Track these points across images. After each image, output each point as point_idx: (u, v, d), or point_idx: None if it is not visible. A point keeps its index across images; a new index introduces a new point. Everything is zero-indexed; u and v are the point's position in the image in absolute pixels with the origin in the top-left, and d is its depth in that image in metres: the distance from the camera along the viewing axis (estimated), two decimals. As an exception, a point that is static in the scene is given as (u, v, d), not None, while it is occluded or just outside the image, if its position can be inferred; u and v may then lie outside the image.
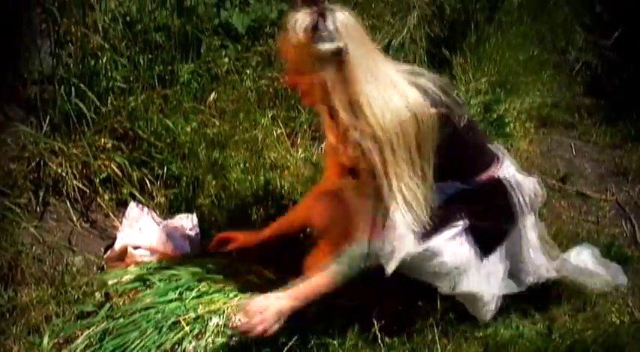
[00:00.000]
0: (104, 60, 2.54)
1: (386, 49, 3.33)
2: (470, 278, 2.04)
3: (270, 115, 2.77)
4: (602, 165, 3.56)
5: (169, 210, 2.52)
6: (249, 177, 2.56)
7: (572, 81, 4.19)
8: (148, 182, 2.54)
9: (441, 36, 3.71)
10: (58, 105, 2.45)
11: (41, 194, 2.38)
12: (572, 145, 3.67)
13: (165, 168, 2.54)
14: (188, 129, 2.59)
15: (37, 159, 2.38)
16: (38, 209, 2.38)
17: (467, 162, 2.05)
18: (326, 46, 1.79)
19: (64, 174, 2.40)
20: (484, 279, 2.07)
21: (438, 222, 1.96)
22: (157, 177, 2.55)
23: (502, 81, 3.65)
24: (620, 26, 4.42)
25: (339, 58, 1.80)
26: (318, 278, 1.94)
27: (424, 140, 1.88)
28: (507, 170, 2.11)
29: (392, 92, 1.85)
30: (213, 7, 2.86)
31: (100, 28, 2.55)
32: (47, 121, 2.45)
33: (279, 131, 2.78)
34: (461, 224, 2.00)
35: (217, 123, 2.68)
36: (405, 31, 3.50)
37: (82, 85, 2.47)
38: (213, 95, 2.75)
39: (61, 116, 2.45)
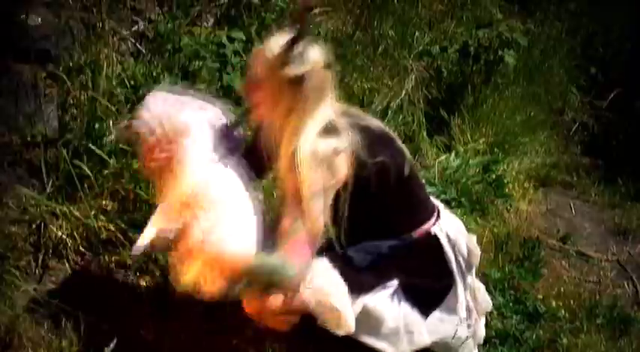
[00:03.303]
0: (109, 122, 2.57)
1: (384, 111, 3.39)
2: (422, 334, 2.04)
3: (271, 177, 2.79)
4: (602, 224, 3.57)
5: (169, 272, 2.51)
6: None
7: (569, 141, 4.24)
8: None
9: (438, 98, 3.77)
10: (61, 167, 2.47)
11: (41, 257, 2.37)
12: (572, 205, 3.69)
13: (166, 230, 2.54)
14: (189, 190, 2.60)
15: (38, 222, 2.39)
16: (37, 271, 2.37)
17: (405, 214, 2.07)
18: (290, 70, 1.88)
19: (64, 237, 2.40)
20: (435, 330, 2.07)
21: (370, 281, 2.00)
22: (158, 238, 2.55)
23: (500, 141, 3.70)
24: (614, 87, 4.50)
25: (297, 85, 1.89)
26: (230, 251, 1.89)
27: (332, 186, 1.91)
28: (444, 226, 2.12)
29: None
30: (215, 71, 2.92)
31: (106, 93, 2.59)
32: (50, 183, 2.47)
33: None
34: (395, 283, 2.01)
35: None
36: (404, 93, 3.56)
37: (85, 148, 2.50)
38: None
39: (64, 178, 2.47)
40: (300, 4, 2.15)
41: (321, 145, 1.90)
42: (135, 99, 2.69)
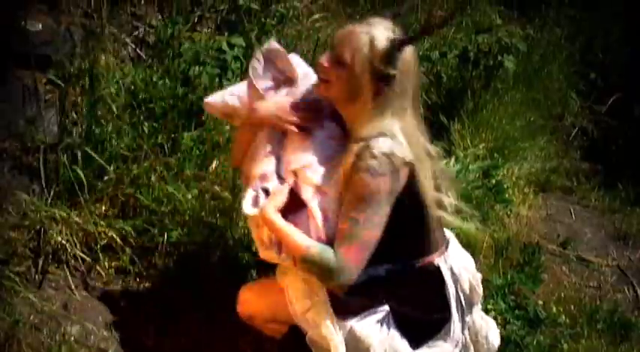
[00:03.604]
0: (109, 128, 2.58)
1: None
2: None
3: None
4: (602, 229, 3.57)
5: (169, 277, 2.51)
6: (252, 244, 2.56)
7: (569, 146, 4.24)
8: (148, 249, 2.54)
9: (438, 103, 3.77)
10: (61, 173, 2.47)
11: (40, 262, 2.37)
12: (572, 210, 3.69)
13: (166, 236, 2.54)
14: (189, 196, 2.61)
15: (38, 227, 2.39)
16: (37, 277, 2.37)
17: (418, 241, 1.95)
18: (386, 68, 1.84)
19: (64, 242, 2.40)
20: None
21: (358, 304, 1.90)
22: (158, 244, 2.55)
23: (500, 147, 3.69)
24: (614, 92, 4.51)
25: (384, 83, 1.85)
26: (297, 233, 1.87)
27: (393, 196, 1.84)
28: (449, 259, 2.01)
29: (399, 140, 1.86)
30: (215, 77, 2.92)
31: (107, 98, 2.60)
32: (50, 189, 2.47)
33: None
34: (385, 308, 1.91)
35: (219, 190, 2.70)
36: (403, 98, 3.56)
37: (85, 153, 2.50)
38: (214, 163, 2.78)
39: (64, 184, 2.48)
40: (435, 18, 2.07)
41: (396, 151, 1.83)
42: (135, 104, 2.69)
